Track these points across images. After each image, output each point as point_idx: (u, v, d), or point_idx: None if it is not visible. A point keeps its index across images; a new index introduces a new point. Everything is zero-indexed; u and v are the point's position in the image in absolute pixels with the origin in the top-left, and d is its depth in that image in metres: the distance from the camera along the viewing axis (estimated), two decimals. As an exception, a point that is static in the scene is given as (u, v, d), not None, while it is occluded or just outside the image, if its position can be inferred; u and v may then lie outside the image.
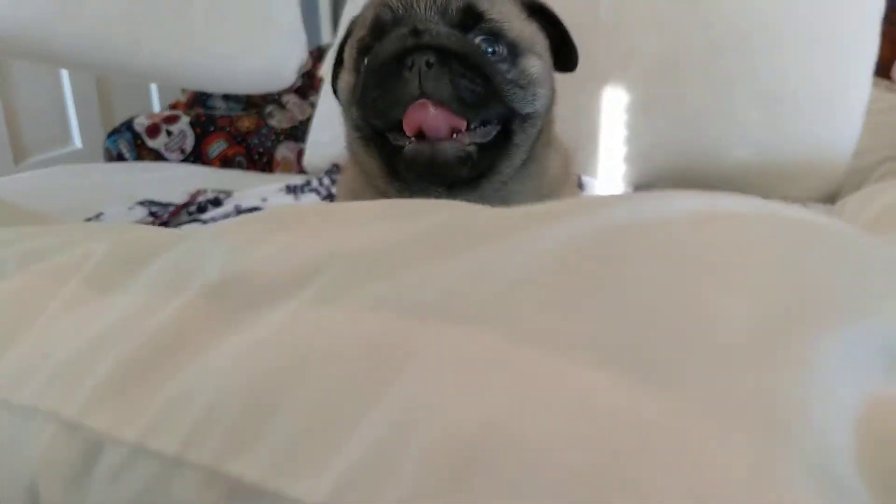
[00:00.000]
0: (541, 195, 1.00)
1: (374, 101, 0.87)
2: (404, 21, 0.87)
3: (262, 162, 3.27)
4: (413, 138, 0.86)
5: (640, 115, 2.61)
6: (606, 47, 2.58)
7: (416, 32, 0.84)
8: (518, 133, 0.94)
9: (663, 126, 2.60)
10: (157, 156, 3.19)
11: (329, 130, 2.90)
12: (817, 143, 2.54)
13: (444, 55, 0.83)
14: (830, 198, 2.56)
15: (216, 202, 2.44)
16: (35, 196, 2.28)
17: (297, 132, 3.20)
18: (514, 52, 0.91)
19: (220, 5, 2.51)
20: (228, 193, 2.47)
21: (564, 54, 1.02)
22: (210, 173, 3.00)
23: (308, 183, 2.57)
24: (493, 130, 0.91)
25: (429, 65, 0.83)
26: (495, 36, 0.89)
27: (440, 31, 0.85)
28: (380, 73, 0.85)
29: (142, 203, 2.41)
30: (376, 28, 0.90)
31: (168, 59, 2.47)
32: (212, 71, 2.66)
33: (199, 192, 2.55)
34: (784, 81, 2.51)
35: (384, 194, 0.95)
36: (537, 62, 0.95)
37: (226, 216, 2.34)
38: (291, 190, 2.52)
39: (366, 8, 0.95)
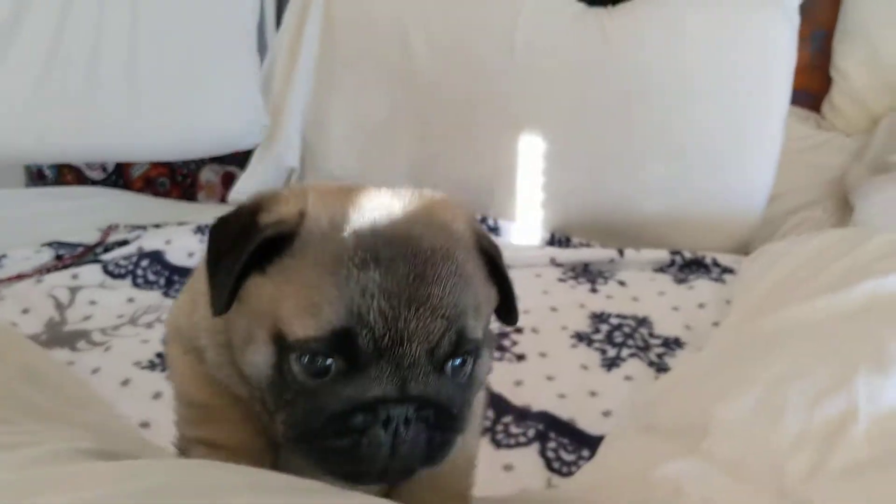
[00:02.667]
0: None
1: (330, 449, 0.69)
2: (384, 352, 0.68)
3: (185, 184, 3.24)
4: None
5: (554, 162, 2.62)
6: (520, 93, 2.59)
7: (404, 386, 0.68)
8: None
9: (576, 174, 2.61)
10: (79, 173, 3.16)
11: (265, 164, 2.89)
12: (728, 194, 2.57)
13: (425, 404, 0.69)
14: (743, 248, 2.59)
15: (123, 243, 2.42)
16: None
17: (223, 155, 3.17)
18: (477, 358, 0.77)
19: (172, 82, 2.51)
20: (141, 231, 2.45)
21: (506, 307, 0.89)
22: (130, 201, 2.97)
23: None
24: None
25: (406, 421, 0.68)
26: (468, 352, 0.74)
27: (430, 382, 0.70)
28: (343, 419, 0.68)
29: (49, 244, 2.38)
30: (338, 344, 0.67)
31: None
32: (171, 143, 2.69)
33: (110, 230, 2.53)
34: (695, 133, 2.54)
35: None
36: (487, 358, 0.82)
37: (128, 256, 2.33)
38: (200, 230, 2.50)
39: (313, 274, 0.69)
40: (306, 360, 0.69)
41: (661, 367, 1.95)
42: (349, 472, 0.70)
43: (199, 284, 0.81)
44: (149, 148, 2.69)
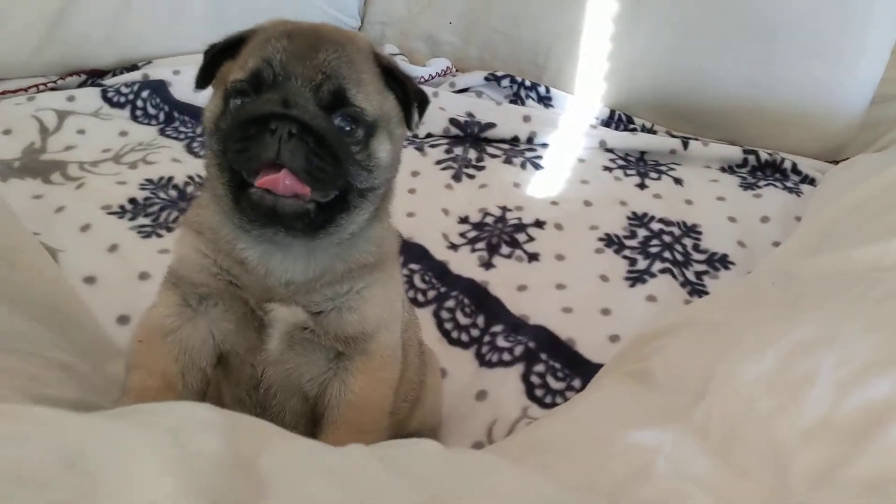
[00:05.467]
0: (364, 258, 1.04)
1: (234, 149, 0.92)
2: (280, 86, 0.93)
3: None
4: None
5: (624, 27, 2.22)
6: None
7: (286, 103, 0.91)
8: (353, 201, 0.99)
9: (647, 44, 2.22)
10: None
11: None
12: (824, 86, 2.14)
13: (306, 130, 0.90)
14: (833, 153, 2.19)
15: (133, 68, 2.21)
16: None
17: None
18: (370, 133, 0.98)
19: None
20: (149, 61, 2.23)
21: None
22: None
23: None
24: (331, 194, 0.96)
25: (290, 135, 0.90)
26: (355, 120, 0.96)
27: (308, 109, 0.92)
28: (245, 127, 0.91)
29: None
30: (253, 80, 0.94)
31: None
32: None
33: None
34: (792, 9, 2.09)
35: (231, 221, 1.00)
36: (386, 145, 1.00)
37: (131, 84, 2.12)
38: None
39: (251, 47, 0.98)
40: (236, 97, 0.94)
41: (696, 290, 1.66)
42: (249, 168, 0.92)
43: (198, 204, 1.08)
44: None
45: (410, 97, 1.02)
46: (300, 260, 1.00)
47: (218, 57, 1.02)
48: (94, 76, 2.21)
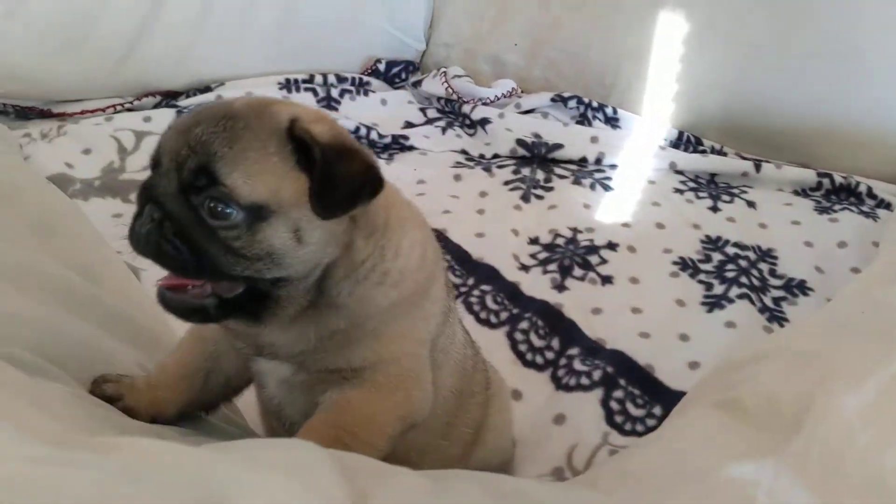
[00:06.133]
0: (363, 324, 0.94)
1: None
2: (156, 166, 0.88)
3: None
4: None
5: (695, 48, 2.20)
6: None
7: (147, 185, 0.87)
8: (272, 291, 0.88)
9: (719, 64, 2.19)
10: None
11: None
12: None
13: (167, 214, 0.84)
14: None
15: (206, 90, 2.25)
16: None
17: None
18: (257, 216, 0.84)
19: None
20: (221, 83, 2.26)
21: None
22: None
23: (310, 79, 2.32)
24: (236, 289, 0.87)
25: (152, 219, 0.85)
26: (226, 201, 0.83)
27: (166, 190, 0.85)
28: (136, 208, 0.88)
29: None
30: (152, 160, 0.90)
31: None
32: None
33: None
34: (876, 29, 2.04)
35: None
36: (283, 232, 0.86)
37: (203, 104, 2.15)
38: (287, 84, 2.29)
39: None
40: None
41: (774, 316, 1.62)
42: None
43: None
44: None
45: (320, 181, 0.85)
46: (285, 330, 0.93)
47: None
48: (168, 97, 2.25)
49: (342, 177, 0.86)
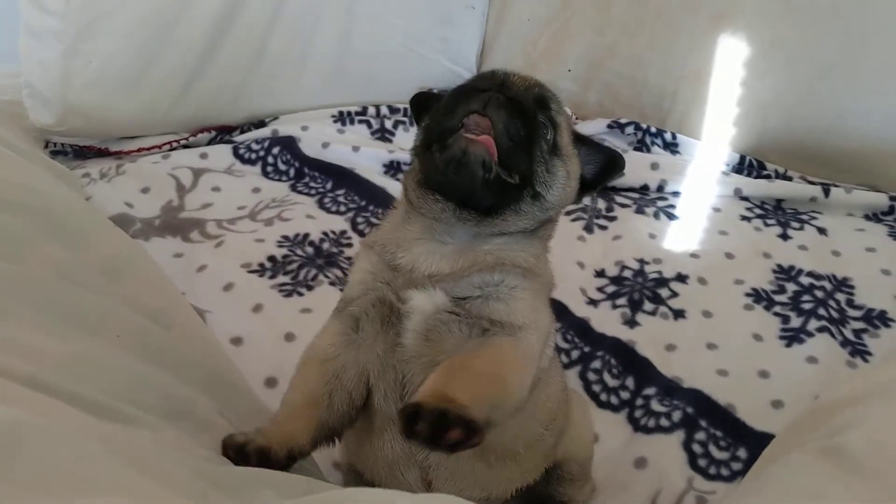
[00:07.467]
0: (518, 260, 1.06)
1: (444, 109, 1.00)
2: (498, 77, 1.04)
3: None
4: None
5: (756, 69, 2.14)
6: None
7: (502, 85, 1.01)
8: (524, 201, 1.04)
9: (781, 81, 2.13)
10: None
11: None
12: None
13: (512, 107, 0.98)
14: None
15: (260, 124, 2.25)
16: None
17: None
18: (555, 149, 1.05)
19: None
20: (275, 117, 2.26)
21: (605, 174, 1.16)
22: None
23: (363, 111, 2.31)
24: (514, 176, 1.00)
25: (497, 101, 0.98)
26: (551, 124, 1.05)
27: (520, 92, 1.03)
28: (460, 94, 1.01)
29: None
30: (474, 78, 1.09)
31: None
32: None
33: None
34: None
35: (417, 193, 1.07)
36: (562, 171, 1.06)
37: (261, 140, 2.15)
38: (341, 117, 2.28)
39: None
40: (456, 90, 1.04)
41: (858, 350, 1.56)
42: (451, 125, 0.98)
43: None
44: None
45: (604, 154, 1.12)
46: (449, 256, 1.03)
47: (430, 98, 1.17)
48: (223, 132, 2.26)
49: (607, 155, 1.13)
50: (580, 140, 1.13)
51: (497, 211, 1.03)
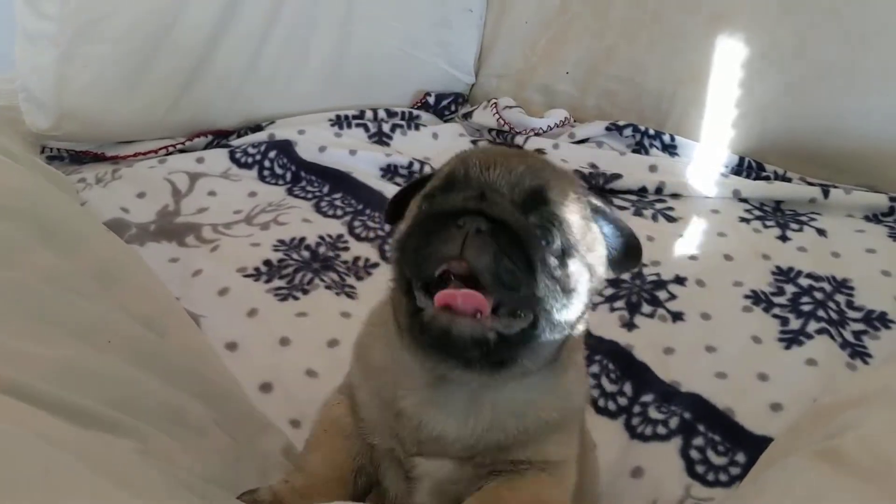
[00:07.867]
0: (546, 413, 0.93)
1: (414, 248, 0.84)
2: (474, 183, 0.86)
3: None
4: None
5: (755, 70, 2.14)
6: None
7: (481, 196, 0.83)
8: (544, 335, 0.86)
9: (780, 83, 2.12)
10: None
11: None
12: None
13: (497, 228, 0.81)
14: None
15: (257, 128, 2.24)
16: None
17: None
18: (567, 251, 0.87)
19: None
20: (272, 121, 2.26)
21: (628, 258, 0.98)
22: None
23: (360, 114, 2.31)
24: (518, 325, 0.84)
25: (478, 231, 0.80)
26: (553, 226, 0.86)
27: (504, 204, 0.84)
28: (430, 223, 0.84)
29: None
30: (448, 182, 0.89)
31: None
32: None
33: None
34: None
35: (408, 350, 0.90)
36: (585, 275, 0.89)
37: (257, 144, 2.15)
38: (338, 121, 2.27)
39: (447, 162, 0.94)
40: (424, 202, 0.89)
41: (857, 352, 1.54)
42: (426, 272, 0.82)
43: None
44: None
45: (623, 238, 0.94)
46: (459, 410, 0.91)
47: (408, 193, 0.98)
48: (219, 136, 2.25)
49: (628, 234, 0.96)
50: (596, 210, 0.95)
51: (509, 363, 0.87)
